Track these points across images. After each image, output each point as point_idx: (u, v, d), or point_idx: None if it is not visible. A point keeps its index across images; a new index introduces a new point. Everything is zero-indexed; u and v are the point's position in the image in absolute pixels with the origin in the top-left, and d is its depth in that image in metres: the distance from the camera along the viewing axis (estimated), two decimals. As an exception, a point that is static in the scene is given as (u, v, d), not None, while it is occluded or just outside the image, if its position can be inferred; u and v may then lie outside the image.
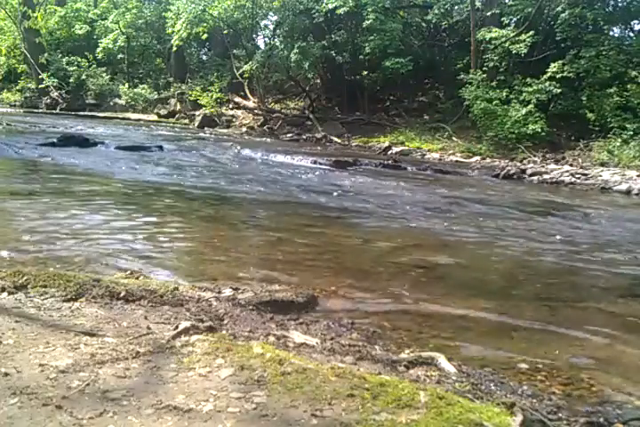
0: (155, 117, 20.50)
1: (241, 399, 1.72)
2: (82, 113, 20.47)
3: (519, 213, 6.67)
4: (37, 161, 8.19)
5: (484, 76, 14.23)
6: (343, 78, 18.36)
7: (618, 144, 12.00)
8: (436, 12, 16.72)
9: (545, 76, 13.40)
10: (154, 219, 5.06)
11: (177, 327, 2.27)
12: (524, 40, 13.87)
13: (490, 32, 14.32)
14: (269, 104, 20.23)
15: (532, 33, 13.97)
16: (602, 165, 11.52)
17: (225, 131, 18.03)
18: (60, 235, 4.08)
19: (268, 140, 15.87)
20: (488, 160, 12.92)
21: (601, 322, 3.18)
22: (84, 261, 3.49)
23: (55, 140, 10.08)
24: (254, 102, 19.62)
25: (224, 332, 2.33)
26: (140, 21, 23.57)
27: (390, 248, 4.56)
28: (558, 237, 5.43)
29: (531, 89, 13.45)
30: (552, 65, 13.49)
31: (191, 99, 19.98)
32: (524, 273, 4.06)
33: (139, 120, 19.66)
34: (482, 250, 4.72)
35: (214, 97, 19.25)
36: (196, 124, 18.71)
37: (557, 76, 13.36)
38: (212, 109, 19.01)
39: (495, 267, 4.26)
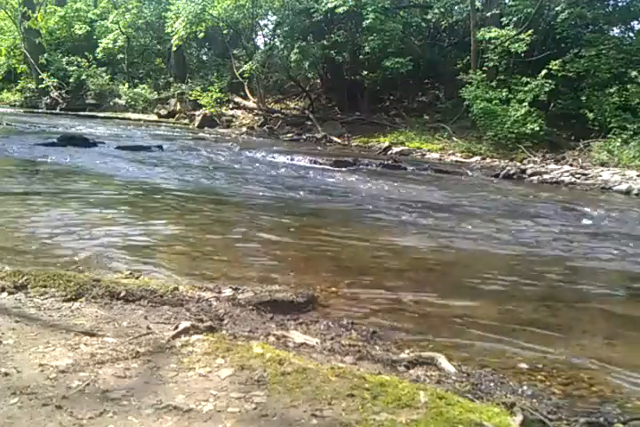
0: (155, 117, 20.49)
1: (241, 399, 1.72)
2: (82, 113, 20.45)
3: (519, 213, 6.67)
4: (37, 161, 8.18)
5: (484, 75, 14.22)
6: (343, 78, 18.35)
7: (618, 144, 12.00)
8: (436, 11, 16.72)
9: (541, 74, 13.40)
10: (154, 219, 5.06)
11: (177, 327, 2.27)
12: (524, 39, 13.88)
13: (490, 32, 14.32)
14: (269, 104, 20.22)
15: (531, 32, 13.98)
16: (602, 165, 11.52)
17: (225, 131, 18.03)
18: (59, 235, 4.08)
19: (268, 140, 15.86)
20: (488, 160, 12.92)
21: (601, 322, 3.18)
22: (83, 261, 3.48)
23: (55, 140, 10.08)
24: (254, 102, 19.61)
25: (224, 332, 2.33)
26: (140, 21, 23.55)
27: (390, 248, 4.56)
28: (558, 236, 5.43)
29: (526, 88, 13.46)
30: (552, 62, 13.49)
31: (191, 99, 19.97)
32: (523, 273, 4.06)
33: (139, 120, 19.65)
34: (482, 250, 4.72)
35: (214, 97, 19.24)
36: (196, 124, 18.70)
37: (558, 74, 13.36)
38: (212, 109, 19.00)
39: (495, 267, 4.26)
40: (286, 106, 20.81)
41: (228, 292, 2.99)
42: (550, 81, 13.30)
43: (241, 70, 18.95)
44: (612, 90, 13.10)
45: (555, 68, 13.41)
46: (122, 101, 22.01)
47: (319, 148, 14.34)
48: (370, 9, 15.46)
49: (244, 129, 18.19)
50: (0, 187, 5.96)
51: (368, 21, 15.33)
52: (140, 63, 25.20)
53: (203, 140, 13.98)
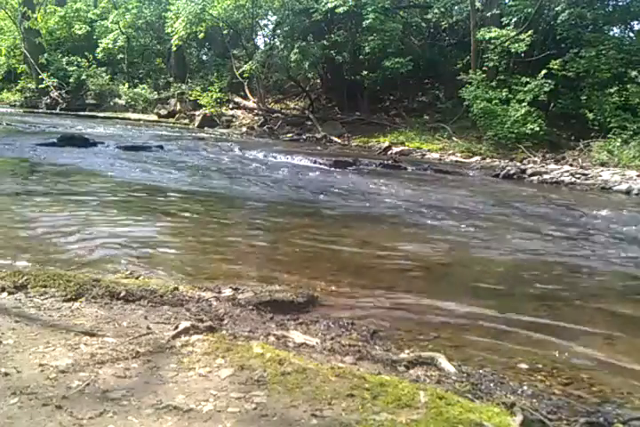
0: (155, 117, 20.49)
1: (241, 399, 1.72)
2: (82, 113, 20.45)
3: (519, 213, 6.66)
4: (37, 161, 8.18)
5: (484, 75, 14.23)
6: (343, 78, 18.35)
7: (618, 144, 12.00)
8: (436, 11, 16.73)
9: (541, 74, 13.41)
10: (154, 219, 5.06)
11: (177, 327, 2.27)
12: (524, 39, 13.89)
13: (490, 32, 14.32)
14: (269, 104, 20.22)
15: (531, 32, 13.99)
16: (602, 165, 11.52)
17: (225, 131, 18.02)
18: (59, 235, 4.08)
19: (268, 140, 15.86)
20: (488, 160, 12.92)
21: (601, 322, 3.18)
22: (84, 261, 3.49)
23: (55, 140, 10.07)
24: (254, 102, 19.61)
25: (224, 332, 2.33)
26: (140, 21, 23.56)
27: (390, 248, 4.56)
28: (558, 236, 5.43)
29: (526, 88, 13.47)
30: (552, 62, 13.49)
31: (191, 99, 19.98)
32: (523, 273, 4.06)
33: (139, 120, 19.65)
34: (482, 250, 4.72)
35: (214, 97, 19.25)
36: (196, 124, 18.71)
37: (558, 74, 13.37)
38: (212, 109, 19.00)
39: (495, 267, 4.26)
40: (286, 106, 20.82)
41: (228, 292, 2.99)
42: (550, 81, 13.31)
43: (241, 70, 18.95)
44: (612, 90, 13.11)
45: (555, 68, 13.42)
46: (122, 101, 22.01)
47: (319, 148, 14.34)
48: (370, 9, 15.47)
49: (244, 129, 18.20)
50: (0, 187, 5.96)
51: (368, 21, 15.34)
52: (139, 63, 25.19)
53: (203, 140, 13.98)
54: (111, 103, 22.26)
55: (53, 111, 20.91)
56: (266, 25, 22.18)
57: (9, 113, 18.84)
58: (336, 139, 15.94)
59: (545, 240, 5.21)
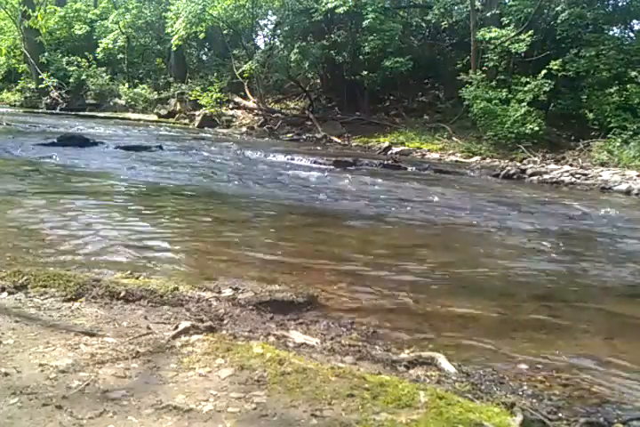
0: (155, 117, 20.49)
1: (241, 399, 1.72)
2: (82, 113, 20.45)
3: (518, 213, 6.67)
4: (37, 161, 8.18)
5: (484, 75, 14.23)
6: (343, 78, 18.35)
7: (618, 144, 12.00)
8: (436, 12, 16.73)
9: (541, 74, 13.41)
10: (153, 219, 5.06)
11: (177, 327, 2.27)
12: (524, 39, 13.90)
13: (489, 32, 14.33)
14: (269, 104, 20.23)
15: (531, 32, 13.99)
16: (602, 165, 11.52)
17: (225, 131, 18.03)
18: (59, 235, 4.08)
19: (268, 140, 15.86)
20: (488, 160, 12.92)
21: (601, 322, 3.18)
22: (84, 261, 3.48)
23: (55, 140, 10.07)
24: (254, 102, 19.61)
25: (224, 332, 2.33)
26: (140, 21, 23.58)
27: (390, 248, 4.56)
28: (558, 236, 5.43)
29: (526, 88, 13.48)
30: (552, 62, 13.49)
31: (191, 99, 19.98)
32: (524, 273, 4.06)
33: (139, 120, 19.65)
34: (482, 250, 4.72)
35: (214, 97, 19.25)
36: (196, 124, 18.71)
37: (558, 74, 13.37)
38: (212, 109, 19.00)
39: (495, 267, 4.25)
40: (286, 106, 20.82)
41: (228, 292, 2.99)
42: (550, 81, 13.31)
43: (241, 70, 18.96)
44: (612, 90, 13.11)
45: (555, 67, 13.42)
46: (122, 101, 22.02)
47: (319, 148, 14.34)
48: (370, 9, 15.48)
49: (244, 129, 18.20)
50: (0, 187, 5.95)
51: (368, 21, 15.35)
52: (139, 63, 25.21)
53: (203, 140, 13.98)
54: (111, 103, 22.27)
55: (53, 111, 20.92)
56: (266, 25, 22.23)
57: (9, 113, 18.82)
58: (336, 139, 15.94)
59: (544, 240, 5.21)
